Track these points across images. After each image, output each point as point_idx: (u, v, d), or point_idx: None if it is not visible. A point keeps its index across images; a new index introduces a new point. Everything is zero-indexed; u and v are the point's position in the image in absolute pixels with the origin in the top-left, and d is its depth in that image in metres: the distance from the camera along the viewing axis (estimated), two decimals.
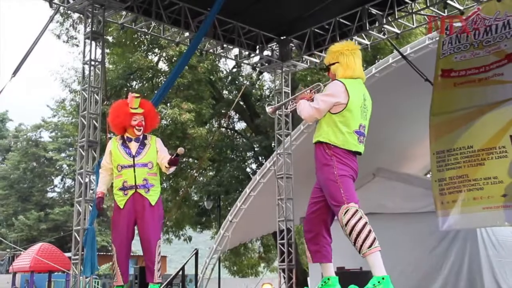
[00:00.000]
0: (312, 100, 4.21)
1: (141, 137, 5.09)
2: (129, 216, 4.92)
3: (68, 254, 16.17)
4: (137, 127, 5.06)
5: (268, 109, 4.90)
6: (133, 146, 5.02)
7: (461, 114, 7.92)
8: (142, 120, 5.09)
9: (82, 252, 7.54)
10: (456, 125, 7.94)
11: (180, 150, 4.85)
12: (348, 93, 4.01)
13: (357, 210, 3.90)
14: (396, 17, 9.57)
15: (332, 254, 4.48)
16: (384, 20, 9.55)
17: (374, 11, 9.51)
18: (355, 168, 4.11)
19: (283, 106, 4.93)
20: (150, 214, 4.89)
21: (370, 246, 3.77)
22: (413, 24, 9.71)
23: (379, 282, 3.77)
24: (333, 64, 4.27)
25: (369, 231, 3.83)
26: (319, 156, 4.12)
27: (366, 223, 3.86)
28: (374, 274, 3.82)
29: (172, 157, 4.86)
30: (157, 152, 5.04)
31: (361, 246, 3.80)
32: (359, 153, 4.17)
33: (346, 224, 3.88)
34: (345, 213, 3.89)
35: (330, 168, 4.02)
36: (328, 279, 4.30)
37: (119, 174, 4.98)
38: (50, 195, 42.42)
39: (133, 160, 4.94)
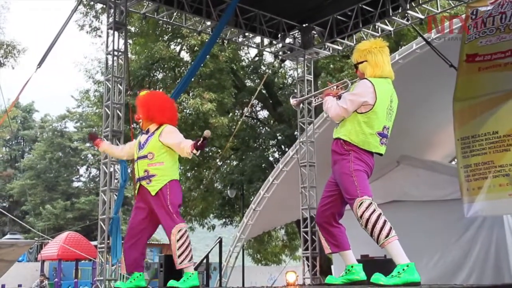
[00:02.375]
0: (339, 96, 4.22)
1: (153, 128, 5.05)
2: (142, 207, 4.92)
3: (94, 243, 16.44)
4: (137, 121, 5.16)
5: (293, 101, 4.85)
6: (143, 139, 5.03)
7: (486, 99, 7.77)
8: (139, 113, 5.11)
9: (108, 241, 7.65)
10: (480, 111, 7.79)
11: (207, 132, 4.65)
12: (376, 94, 4.01)
13: (371, 203, 3.93)
14: (420, 2, 9.44)
15: (356, 242, 4.49)
16: (408, 5, 9.43)
17: None
18: (371, 165, 4.15)
19: (308, 99, 4.89)
20: (156, 204, 4.81)
21: (387, 236, 3.80)
22: (437, 9, 9.56)
23: (403, 269, 3.78)
24: (361, 62, 4.24)
25: (384, 222, 3.85)
26: (336, 150, 4.15)
27: (380, 214, 3.89)
28: (398, 263, 3.82)
29: (199, 142, 4.72)
30: (160, 140, 4.90)
31: (378, 237, 3.84)
32: (380, 154, 4.19)
33: (361, 217, 3.93)
34: (359, 206, 3.93)
35: (346, 162, 4.06)
36: (352, 266, 4.31)
37: None
38: (75, 184, 43.10)
39: (137, 154, 4.98)
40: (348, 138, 4.06)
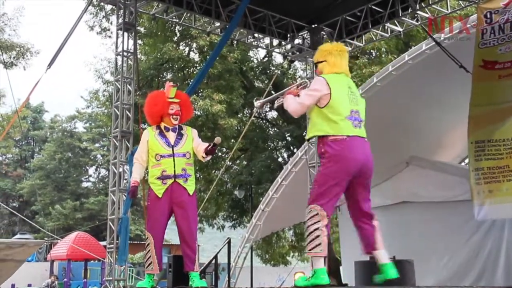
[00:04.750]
0: (299, 96, 4.39)
1: (177, 127, 5.13)
2: (167, 205, 4.96)
3: (103, 243, 16.49)
4: (174, 116, 5.11)
5: (256, 103, 5.09)
6: (171, 135, 5.06)
7: (506, 106, 7.68)
8: (179, 109, 5.14)
9: (117, 241, 7.67)
10: (500, 117, 7.71)
11: (218, 139, 4.89)
12: (329, 84, 4.18)
13: (317, 214, 4.10)
14: (430, 2, 9.40)
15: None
16: (417, 6, 9.39)
17: None
18: (355, 159, 4.11)
19: (272, 101, 5.02)
20: (191, 204, 4.95)
21: (311, 249, 4.11)
22: (447, 10, 9.51)
23: (312, 274, 4.17)
24: (321, 62, 4.44)
25: (317, 236, 4.07)
26: (319, 153, 4.30)
27: (317, 228, 4.07)
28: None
29: (209, 147, 4.89)
30: (192, 144, 5.10)
31: (307, 246, 4.16)
32: (362, 137, 4.22)
33: (305, 223, 4.20)
34: (307, 213, 4.18)
35: (320, 166, 4.24)
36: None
37: (157, 163, 5.00)
38: (85, 184, 43.32)
39: (172, 150, 4.98)
40: (324, 132, 4.16)
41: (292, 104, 4.32)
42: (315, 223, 4.09)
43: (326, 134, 4.13)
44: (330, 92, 4.14)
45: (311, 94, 4.20)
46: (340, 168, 4.08)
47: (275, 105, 4.86)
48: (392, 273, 4.18)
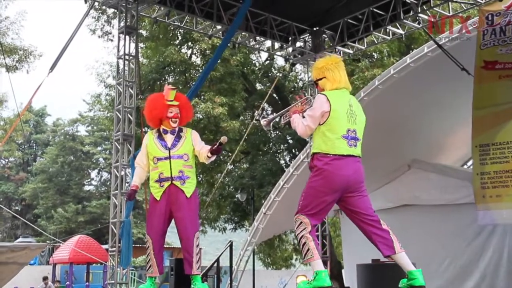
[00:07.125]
0: (304, 112, 4.48)
1: (177, 129, 5.13)
2: (165, 208, 4.96)
3: (105, 246, 16.49)
4: (173, 119, 5.10)
5: (263, 121, 5.11)
6: (169, 138, 5.07)
7: (508, 107, 7.67)
8: (178, 112, 5.13)
9: (119, 244, 7.67)
10: (503, 119, 7.68)
11: (224, 138, 4.87)
12: (330, 102, 4.23)
13: (301, 222, 4.23)
14: (432, 5, 9.40)
15: (366, 246, 4.51)
16: (419, 8, 9.39)
17: None
18: (342, 176, 4.18)
19: (279, 118, 5.06)
20: (187, 206, 4.92)
21: (304, 257, 4.23)
22: (449, 13, 9.51)
23: (314, 277, 4.16)
24: (321, 79, 4.49)
25: (304, 244, 4.19)
26: (310, 167, 4.40)
27: (302, 236, 4.20)
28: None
29: (215, 146, 4.88)
30: (193, 144, 5.07)
31: (301, 253, 4.29)
32: (355, 156, 4.26)
33: (295, 232, 4.32)
34: (294, 222, 4.28)
35: (309, 179, 4.34)
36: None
37: (155, 167, 5.02)
38: (87, 188, 43.26)
39: (169, 152, 4.98)
40: (320, 149, 4.23)
41: (301, 127, 4.38)
42: (300, 231, 4.19)
43: (320, 151, 4.22)
44: (330, 110, 4.20)
45: (313, 115, 4.26)
46: (326, 183, 4.17)
47: (282, 122, 4.92)
48: (421, 280, 4.16)
